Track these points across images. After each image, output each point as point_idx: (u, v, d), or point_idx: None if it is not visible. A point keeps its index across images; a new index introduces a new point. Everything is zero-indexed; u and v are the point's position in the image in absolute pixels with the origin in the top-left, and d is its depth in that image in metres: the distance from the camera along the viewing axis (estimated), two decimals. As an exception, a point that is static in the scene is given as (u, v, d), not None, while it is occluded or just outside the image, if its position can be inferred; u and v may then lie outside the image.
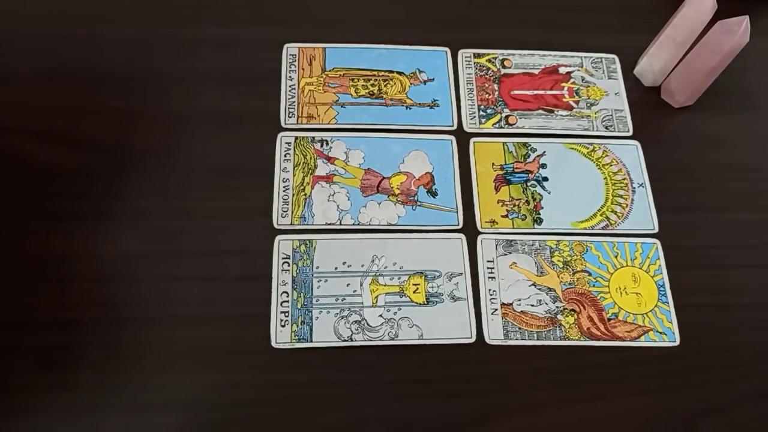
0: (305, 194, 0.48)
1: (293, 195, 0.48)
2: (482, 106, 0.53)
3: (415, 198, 0.49)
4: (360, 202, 0.48)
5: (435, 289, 0.45)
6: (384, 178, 0.49)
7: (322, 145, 0.50)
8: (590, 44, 0.56)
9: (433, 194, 0.49)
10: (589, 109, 0.54)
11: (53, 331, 0.42)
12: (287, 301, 0.44)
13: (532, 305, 0.45)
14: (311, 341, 0.43)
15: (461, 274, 0.46)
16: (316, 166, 0.49)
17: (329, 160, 0.49)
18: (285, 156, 0.49)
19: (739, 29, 0.47)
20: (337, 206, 0.48)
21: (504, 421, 0.42)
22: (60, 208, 0.45)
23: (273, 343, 0.43)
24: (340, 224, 0.47)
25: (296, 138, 0.50)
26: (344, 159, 0.50)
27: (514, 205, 0.49)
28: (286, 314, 0.44)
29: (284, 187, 0.48)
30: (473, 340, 0.44)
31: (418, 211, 0.48)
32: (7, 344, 0.41)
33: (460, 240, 0.47)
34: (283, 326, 0.43)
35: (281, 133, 0.50)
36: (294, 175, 0.49)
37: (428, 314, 0.44)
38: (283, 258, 0.45)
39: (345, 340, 0.43)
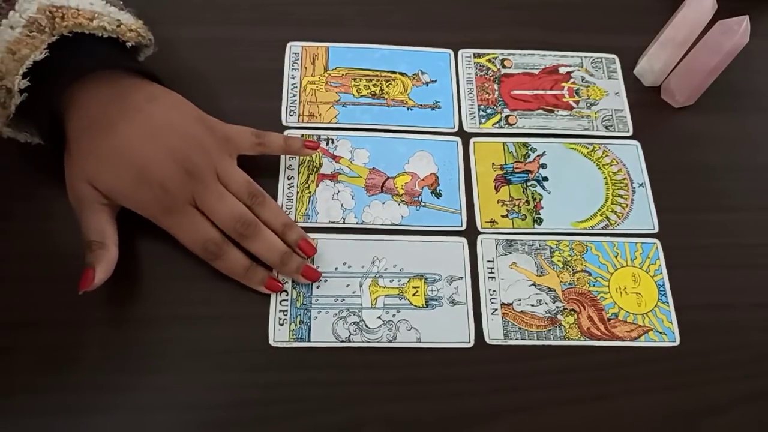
0: (309, 192, 0.48)
1: (297, 193, 0.48)
2: (482, 106, 0.53)
3: (419, 198, 0.49)
4: (364, 201, 0.48)
5: (435, 292, 0.45)
6: (388, 177, 0.49)
7: (327, 144, 0.50)
8: (590, 44, 0.56)
9: (438, 195, 0.49)
10: (589, 109, 0.54)
11: (53, 331, 0.42)
12: (286, 300, 0.44)
13: (532, 305, 0.45)
14: (309, 341, 0.43)
15: (461, 278, 0.46)
16: (321, 164, 0.49)
17: (334, 158, 0.50)
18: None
19: (739, 29, 0.47)
20: (341, 205, 0.48)
21: (504, 421, 0.42)
22: (60, 208, 0.45)
23: (271, 342, 0.43)
24: (344, 223, 0.47)
25: (302, 135, 0.50)
26: (349, 158, 0.50)
27: (514, 205, 0.49)
28: (285, 313, 0.44)
29: (289, 184, 0.48)
30: (471, 345, 0.44)
31: (421, 211, 0.48)
32: (7, 344, 0.41)
33: (461, 243, 0.47)
34: (281, 325, 0.43)
35: (287, 132, 0.50)
36: (299, 173, 0.49)
37: (427, 317, 0.44)
38: (283, 257, 0.45)
39: (343, 341, 0.43)
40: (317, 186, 0.48)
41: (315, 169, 0.49)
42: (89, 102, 0.42)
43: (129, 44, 0.43)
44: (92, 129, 0.42)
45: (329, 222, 0.47)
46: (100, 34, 0.41)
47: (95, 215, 0.42)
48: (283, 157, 0.49)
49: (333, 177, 0.49)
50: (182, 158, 0.42)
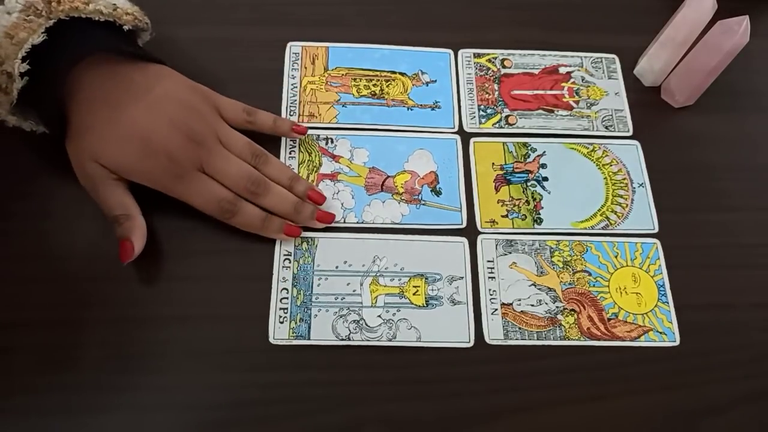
0: (310, 192, 0.48)
1: (298, 193, 0.48)
2: (482, 106, 0.53)
3: (419, 197, 0.49)
4: (364, 200, 0.48)
5: (435, 291, 0.45)
6: (388, 176, 0.49)
7: (327, 143, 0.50)
8: (590, 44, 0.56)
9: (437, 193, 0.49)
10: (589, 109, 0.54)
11: (53, 331, 0.42)
12: (286, 298, 0.44)
13: (532, 305, 0.45)
14: (309, 338, 0.43)
15: (462, 277, 0.46)
16: (320, 164, 0.49)
17: (334, 158, 0.50)
18: (290, 153, 0.49)
19: (739, 29, 0.47)
20: (341, 204, 0.48)
21: (504, 421, 0.42)
22: (60, 208, 0.45)
23: (271, 339, 0.43)
24: (344, 222, 0.47)
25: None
26: (349, 157, 0.50)
27: (514, 205, 0.49)
28: (285, 311, 0.44)
29: (289, 185, 0.48)
30: (471, 344, 0.44)
31: (422, 209, 0.48)
32: (7, 344, 0.41)
33: (462, 243, 0.47)
34: (281, 323, 0.43)
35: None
36: (298, 173, 0.49)
37: (427, 317, 0.44)
38: (284, 255, 0.45)
39: (343, 339, 0.43)
40: (317, 186, 0.48)
41: (315, 169, 0.49)
42: (88, 84, 0.42)
43: (126, 27, 0.43)
44: (92, 109, 0.42)
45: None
46: (96, 18, 0.42)
47: (111, 190, 0.43)
48: (282, 157, 0.49)
49: (333, 176, 0.49)
50: (183, 126, 0.43)
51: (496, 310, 0.45)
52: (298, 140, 0.50)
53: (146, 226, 0.43)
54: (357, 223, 0.47)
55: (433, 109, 0.52)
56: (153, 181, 0.43)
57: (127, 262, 0.42)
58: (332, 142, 0.50)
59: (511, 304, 0.45)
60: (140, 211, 0.43)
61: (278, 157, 0.49)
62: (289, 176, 0.46)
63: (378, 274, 0.45)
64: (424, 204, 0.48)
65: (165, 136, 0.42)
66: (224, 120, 0.46)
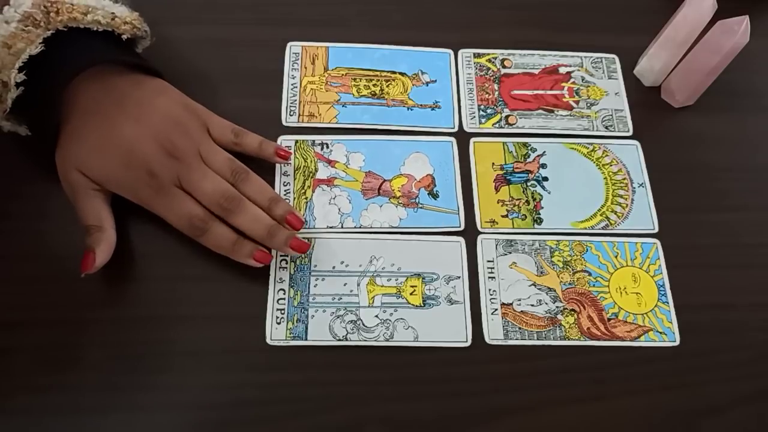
0: (306, 198, 0.48)
1: (294, 199, 0.48)
2: (482, 106, 0.53)
3: (417, 200, 0.49)
4: (361, 204, 0.48)
5: (432, 291, 0.45)
6: (385, 180, 0.49)
7: (322, 148, 0.50)
8: (590, 44, 0.56)
9: (435, 196, 0.49)
10: (589, 109, 0.54)
11: (53, 331, 0.42)
12: (283, 299, 0.44)
13: (532, 305, 0.45)
14: (306, 339, 0.43)
15: (459, 277, 0.46)
16: (316, 170, 0.49)
17: (330, 163, 0.49)
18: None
19: (739, 29, 0.47)
20: (339, 209, 0.48)
21: (504, 421, 0.42)
22: (60, 208, 0.45)
23: (268, 340, 0.43)
24: (342, 227, 0.47)
25: (296, 141, 0.50)
26: (345, 162, 0.50)
27: (514, 205, 0.49)
28: (282, 311, 0.44)
29: (285, 191, 0.48)
30: (468, 344, 0.44)
31: (419, 213, 0.48)
32: (7, 344, 0.41)
33: (459, 243, 0.47)
34: (278, 323, 0.43)
35: (282, 136, 0.50)
36: (295, 179, 0.48)
37: (424, 316, 0.44)
38: (281, 256, 0.45)
39: (340, 340, 0.43)
40: (314, 191, 0.48)
41: (311, 175, 0.49)
42: (83, 97, 0.43)
43: (124, 37, 0.44)
44: (84, 121, 0.43)
45: (327, 227, 0.47)
46: (95, 28, 0.42)
47: (90, 201, 0.43)
48: (278, 164, 0.49)
49: (329, 182, 0.49)
50: (165, 141, 0.43)
51: (496, 310, 0.45)
52: (293, 146, 0.49)
53: (116, 241, 0.43)
54: (355, 227, 0.47)
55: (433, 109, 0.52)
56: (133, 194, 0.43)
57: (86, 272, 0.41)
58: (327, 147, 0.50)
59: (511, 304, 0.45)
60: (114, 226, 0.43)
61: (274, 164, 0.49)
62: (269, 197, 0.45)
63: (375, 275, 0.45)
64: (421, 207, 0.48)
65: (146, 149, 0.42)
66: (212, 138, 0.46)
